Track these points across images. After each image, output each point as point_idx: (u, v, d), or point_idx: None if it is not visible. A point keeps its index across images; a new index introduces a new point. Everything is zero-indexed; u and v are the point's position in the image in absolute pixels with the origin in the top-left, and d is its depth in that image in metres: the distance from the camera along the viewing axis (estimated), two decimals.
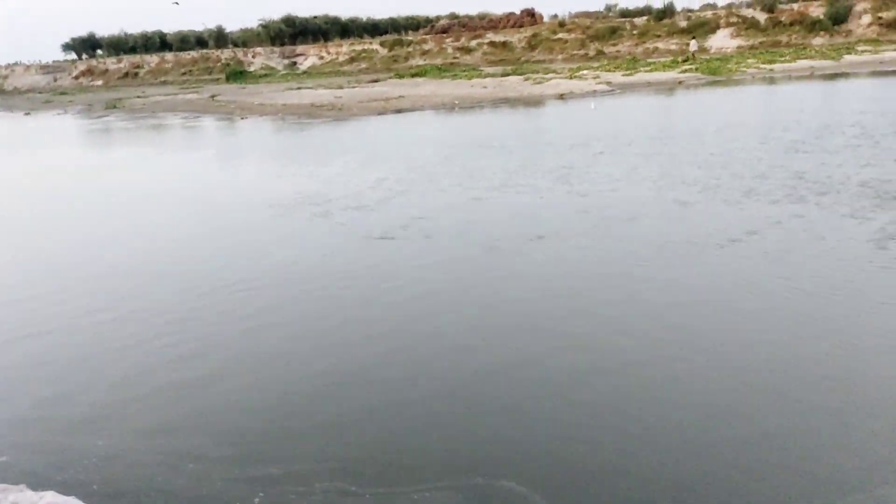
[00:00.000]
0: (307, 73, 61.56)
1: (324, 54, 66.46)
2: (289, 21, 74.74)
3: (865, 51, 41.97)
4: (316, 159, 17.30)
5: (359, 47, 66.45)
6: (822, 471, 4.13)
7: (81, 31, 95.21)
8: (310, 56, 66.76)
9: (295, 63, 65.89)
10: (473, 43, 61.36)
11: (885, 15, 50.68)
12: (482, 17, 68.82)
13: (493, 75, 43.58)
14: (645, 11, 64.68)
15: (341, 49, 66.52)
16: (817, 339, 5.77)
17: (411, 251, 8.93)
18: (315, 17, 76.69)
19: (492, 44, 60.74)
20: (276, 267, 8.76)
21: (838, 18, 51.84)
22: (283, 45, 70.32)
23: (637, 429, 4.65)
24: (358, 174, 14.86)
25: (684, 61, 43.11)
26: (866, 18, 51.46)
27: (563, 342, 6.04)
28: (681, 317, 6.44)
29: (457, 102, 30.81)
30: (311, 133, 23.88)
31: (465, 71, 49.72)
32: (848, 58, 39.29)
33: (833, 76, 32.49)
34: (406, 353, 6.09)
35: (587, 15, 68.83)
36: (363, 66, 62.24)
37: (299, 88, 44.35)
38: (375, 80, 46.76)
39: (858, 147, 13.70)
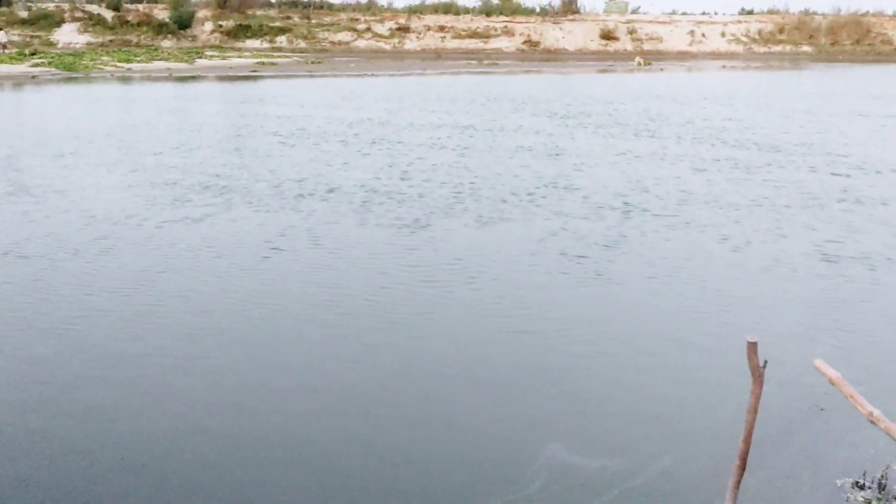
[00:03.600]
0: None
1: None
2: None
3: (214, 56, 45.42)
4: None
5: None
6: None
7: None
8: None
9: None
10: None
11: (224, 24, 55.72)
12: None
13: None
14: None
15: None
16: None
17: None
18: None
19: None
20: None
21: (182, 23, 54.77)
22: None
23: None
24: None
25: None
26: (209, 25, 55.72)
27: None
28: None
29: None
30: None
31: None
32: (200, 62, 41.88)
33: (191, 78, 34.26)
34: None
35: None
36: None
37: None
38: None
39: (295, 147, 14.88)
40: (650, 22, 65.29)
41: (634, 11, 69.99)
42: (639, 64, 48.45)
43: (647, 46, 60.96)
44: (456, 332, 6.06)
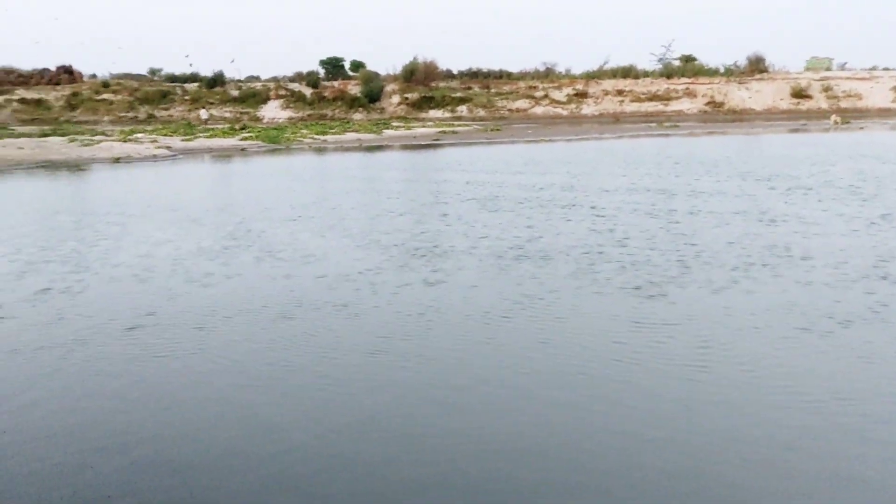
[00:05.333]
0: None
1: None
2: None
3: (399, 126, 47.88)
4: None
5: None
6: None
7: None
8: None
9: None
10: (0, 99, 53.45)
11: (410, 96, 58.91)
12: (9, 71, 60.24)
13: (28, 135, 38.37)
14: (193, 78, 64.11)
15: None
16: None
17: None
18: None
19: (23, 101, 53.67)
20: None
21: (372, 97, 58.48)
22: None
23: None
24: None
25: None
26: (396, 98, 59.14)
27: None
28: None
29: None
30: None
31: None
32: (387, 132, 44.22)
33: (378, 147, 36.12)
34: None
35: (131, 77, 65.46)
36: None
37: None
38: None
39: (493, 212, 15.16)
40: (847, 79, 61.24)
41: (841, 68, 65.88)
42: (835, 122, 45.38)
43: (843, 104, 57.14)
44: (709, 406, 5.63)
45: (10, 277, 9.74)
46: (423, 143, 38.68)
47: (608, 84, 62.12)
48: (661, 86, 61.57)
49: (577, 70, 66.98)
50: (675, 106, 59.26)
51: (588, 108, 59.90)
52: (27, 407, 5.83)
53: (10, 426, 5.49)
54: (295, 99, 57.95)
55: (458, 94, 60.55)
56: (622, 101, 60.21)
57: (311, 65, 71.32)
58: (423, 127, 47.90)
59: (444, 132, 44.30)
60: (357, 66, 66.35)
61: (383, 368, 6.52)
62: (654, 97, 60.36)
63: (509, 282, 9.26)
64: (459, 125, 49.64)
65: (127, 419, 5.61)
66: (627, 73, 64.47)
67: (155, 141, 35.81)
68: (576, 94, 61.15)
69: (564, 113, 59.30)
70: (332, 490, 4.57)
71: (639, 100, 60.24)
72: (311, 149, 35.76)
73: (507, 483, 4.62)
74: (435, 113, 57.68)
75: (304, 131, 43.45)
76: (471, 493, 4.53)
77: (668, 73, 65.17)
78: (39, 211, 15.92)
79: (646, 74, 65.23)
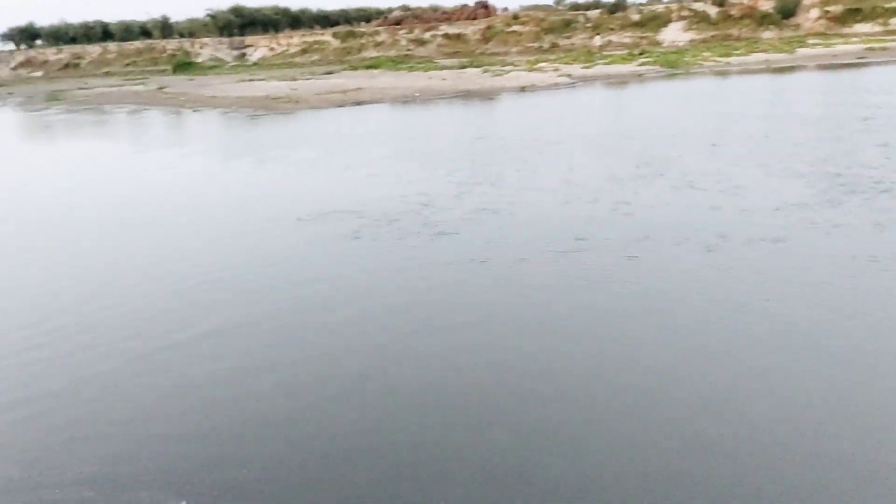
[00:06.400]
0: (257, 65, 60.04)
1: (274, 45, 64.88)
2: (237, 11, 73.13)
3: (817, 44, 42.73)
4: (315, 158, 15.74)
5: (310, 38, 65.07)
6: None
7: (19, 21, 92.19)
8: (259, 47, 65.15)
9: (244, 54, 64.27)
10: (427, 35, 60.51)
11: (832, 9, 51.97)
12: (435, 9, 68.07)
13: (449, 67, 42.85)
14: (595, 5, 64.85)
15: (292, 40, 65.11)
16: None
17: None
18: (264, 8, 75.38)
19: (446, 36, 59.99)
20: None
21: (787, 12, 52.91)
22: (231, 35, 68.65)
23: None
24: (394, 172, 13.45)
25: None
26: (815, 12, 52.65)
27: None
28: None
29: (417, 95, 30.02)
30: (285, 126, 22.65)
31: (420, 63, 48.83)
32: (801, 51, 39.86)
33: (789, 68, 32.83)
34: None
35: (538, 8, 68.70)
36: (315, 57, 60.85)
37: (251, 80, 42.82)
38: (329, 72, 45.51)
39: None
40: None
41: None
42: None
43: None
44: None
45: (448, 197, 11.18)
46: (844, 61, 34.23)
47: None
48: None
49: None
50: None
51: None
52: (493, 303, 6.85)
53: (479, 320, 6.54)
54: (698, 20, 55.09)
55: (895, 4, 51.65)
56: None
57: None
58: (846, 44, 42.11)
59: (873, 49, 38.50)
60: None
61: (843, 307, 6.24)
62: None
63: None
64: (893, 40, 42.58)
65: (580, 343, 6.18)
66: None
67: (557, 69, 37.29)
68: None
69: None
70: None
71: None
72: (711, 72, 34.03)
73: None
74: (862, 27, 50.11)
75: (706, 54, 41.39)
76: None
77: None
78: (462, 137, 17.83)
79: None
